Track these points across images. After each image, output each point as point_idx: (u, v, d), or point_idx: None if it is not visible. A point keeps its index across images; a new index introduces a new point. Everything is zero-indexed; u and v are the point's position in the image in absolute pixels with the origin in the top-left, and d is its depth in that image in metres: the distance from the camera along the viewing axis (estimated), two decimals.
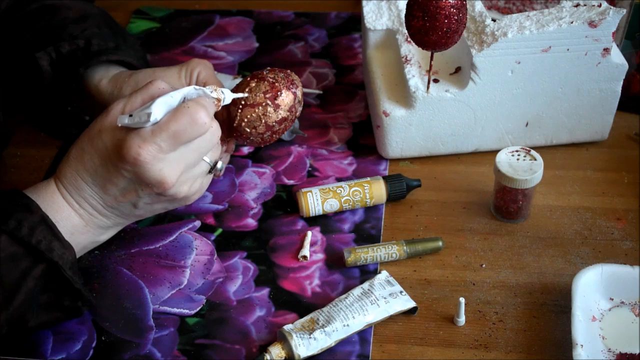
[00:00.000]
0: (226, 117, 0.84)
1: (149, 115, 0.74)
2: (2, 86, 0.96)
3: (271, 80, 0.82)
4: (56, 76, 0.92)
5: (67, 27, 0.94)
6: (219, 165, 0.82)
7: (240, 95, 0.82)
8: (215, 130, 0.78)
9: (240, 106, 0.82)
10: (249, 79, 0.83)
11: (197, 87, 0.78)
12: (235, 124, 0.83)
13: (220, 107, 0.80)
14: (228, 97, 0.80)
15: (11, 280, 0.74)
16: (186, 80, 0.88)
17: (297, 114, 0.85)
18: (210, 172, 0.82)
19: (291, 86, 0.83)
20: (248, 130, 0.83)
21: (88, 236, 0.80)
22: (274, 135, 0.85)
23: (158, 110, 0.74)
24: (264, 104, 0.81)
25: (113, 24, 1.01)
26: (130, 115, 0.75)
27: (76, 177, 0.78)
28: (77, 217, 0.79)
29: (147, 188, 0.77)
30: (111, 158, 0.76)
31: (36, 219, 0.75)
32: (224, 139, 0.86)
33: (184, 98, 0.77)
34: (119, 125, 0.75)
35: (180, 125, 0.74)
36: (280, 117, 0.82)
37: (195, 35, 1.19)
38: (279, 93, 0.82)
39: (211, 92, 0.78)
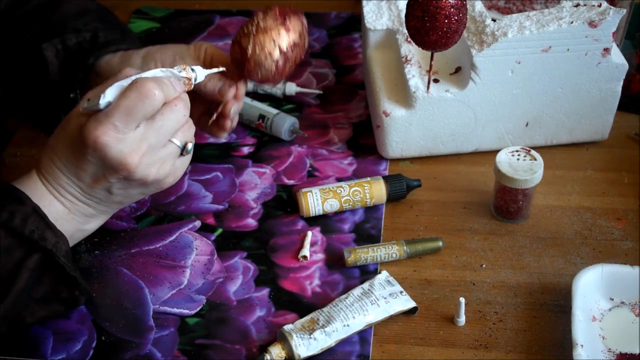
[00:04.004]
0: (238, 52, 0.83)
1: (99, 97, 0.74)
2: (2, 86, 0.96)
3: (278, 8, 0.83)
4: (62, 67, 0.92)
5: (70, 21, 0.95)
6: (189, 146, 0.79)
7: (214, 70, 0.81)
8: (180, 109, 0.76)
9: (252, 35, 0.82)
10: (255, 13, 0.84)
11: (164, 69, 0.77)
12: (248, 55, 0.82)
13: (192, 86, 0.79)
14: (200, 74, 0.80)
15: (6, 273, 0.74)
16: (195, 53, 0.88)
17: (306, 45, 0.85)
18: (181, 154, 0.80)
19: (297, 13, 0.84)
20: (263, 57, 0.82)
21: (73, 224, 0.80)
22: (287, 65, 0.84)
23: (110, 92, 0.74)
24: (275, 28, 0.82)
25: (113, 19, 1.02)
26: (89, 100, 0.76)
27: (52, 165, 0.78)
28: (59, 204, 0.79)
29: (113, 172, 0.76)
30: (77, 144, 0.76)
31: (28, 209, 0.76)
32: (234, 82, 0.86)
33: None
34: (81, 109, 0.76)
35: (129, 100, 0.73)
36: (292, 40, 0.83)
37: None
38: (287, 17, 0.82)
39: (180, 71, 0.78)
